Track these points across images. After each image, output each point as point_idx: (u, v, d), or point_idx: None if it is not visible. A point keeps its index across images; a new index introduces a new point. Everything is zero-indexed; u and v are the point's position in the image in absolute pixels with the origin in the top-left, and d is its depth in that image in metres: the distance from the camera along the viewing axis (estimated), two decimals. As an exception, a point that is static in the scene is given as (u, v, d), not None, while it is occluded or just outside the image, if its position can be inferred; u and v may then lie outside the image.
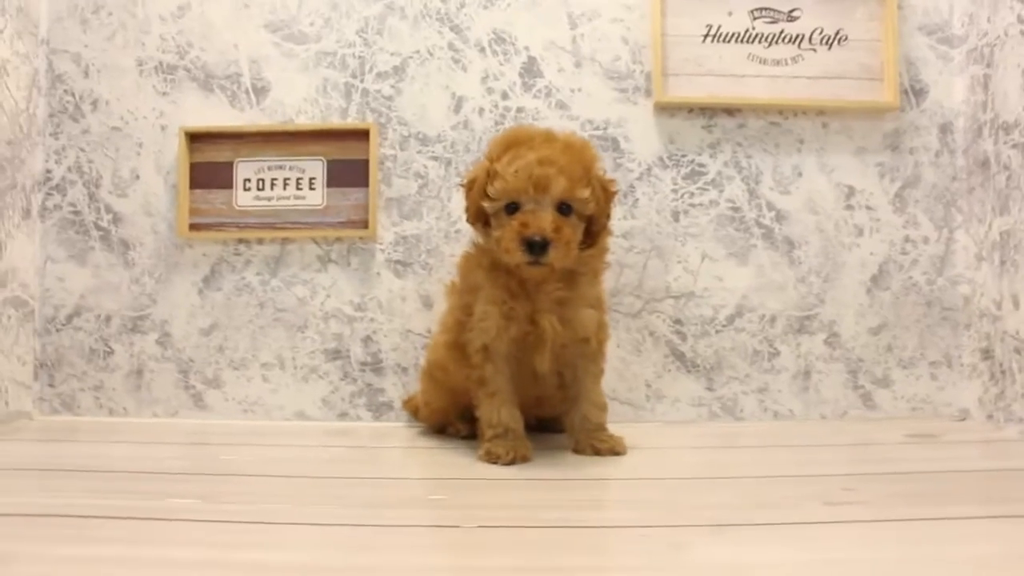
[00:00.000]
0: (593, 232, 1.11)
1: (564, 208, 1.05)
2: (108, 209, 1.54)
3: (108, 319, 1.54)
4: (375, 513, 0.84)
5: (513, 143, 1.07)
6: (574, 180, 1.04)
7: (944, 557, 0.70)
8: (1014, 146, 1.35)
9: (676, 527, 0.79)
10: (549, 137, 1.08)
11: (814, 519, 0.83)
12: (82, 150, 1.55)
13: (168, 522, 0.80)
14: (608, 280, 1.47)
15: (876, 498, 0.92)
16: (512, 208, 1.06)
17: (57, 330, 1.55)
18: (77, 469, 1.09)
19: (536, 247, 1.01)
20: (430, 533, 0.78)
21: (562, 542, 0.75)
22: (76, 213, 1.55)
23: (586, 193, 1.06)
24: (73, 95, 1.55)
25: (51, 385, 1.54)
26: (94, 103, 1.55)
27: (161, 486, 0.99)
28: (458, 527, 0.79)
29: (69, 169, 1.55)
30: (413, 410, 1.42)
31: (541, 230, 1.02)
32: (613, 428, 1.20)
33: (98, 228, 1.55)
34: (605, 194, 1.11)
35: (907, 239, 1.50)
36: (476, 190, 1.10)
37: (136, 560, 0.68)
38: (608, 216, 1.13)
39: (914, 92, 1.51)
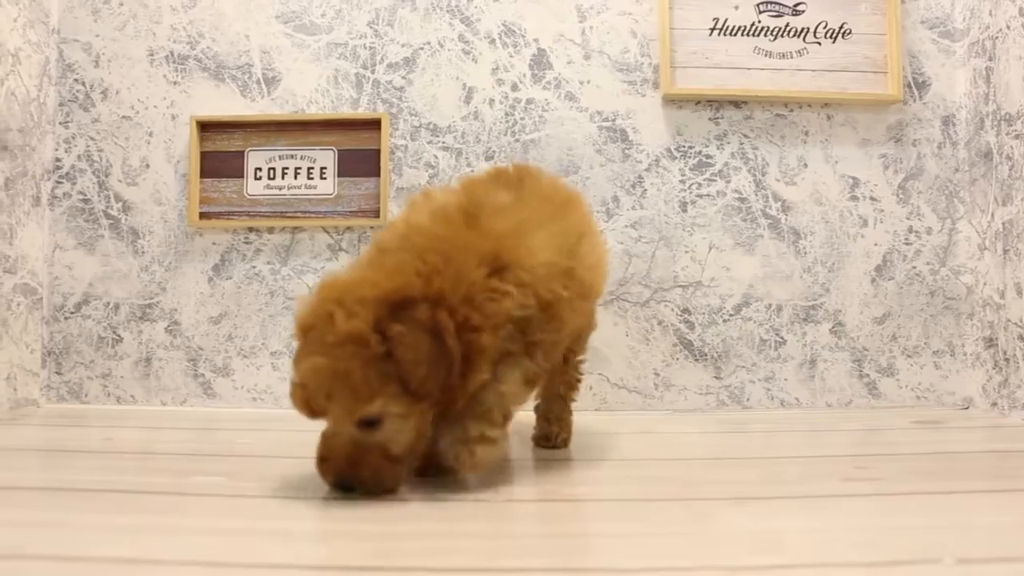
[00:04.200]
0: (415, 391, 0.74)
1: (368, 423, 0.74)
2: (118, 197, 1.55)
3: (117, 307, 1.54)
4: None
5: (298, 331, 0.77)
6: (353, 393, 0.72)
7: (960, 524, 0.72)
8: (1016, 137, 1.37)
9: (698, 500, 0.81)
10: (329, 321, 0.73)
11: (832, 493, 0.85)
12: (92, 139, 1.55)
13: (200, 496, 0.81)
14: (617, 270, 1.49)
15: (890, 475, 0.94)
16: None
17: (65, 318, 1.55)
18: (99, 451, 1.10)
19: (339, 486, 0.77)
20: (467, 505, 0.79)
21: (595, 513, 0.77)
22: (85, 201, 1.55)
23: (377, 404, 0.73)
24: (83, 84, 1.56)
25: (58, 373, 1.54)
26: (104, 92, 1.56)
27: (184, 466, 1.00)
28: (488, 501, 0.80)
29: (79, 158, 1.55)
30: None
31: (335, 469, 0.76)
32: (622, 416, 1.22)
33: (107, 216, 1.55)
34: (440, 358, 0.74)
35: (911, 230, 1.53)
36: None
37: (180, 528, 0.69)
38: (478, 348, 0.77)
39: (917, 85, 1.53)
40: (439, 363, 0.74)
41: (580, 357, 1.12)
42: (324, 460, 0.77)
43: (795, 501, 0.81)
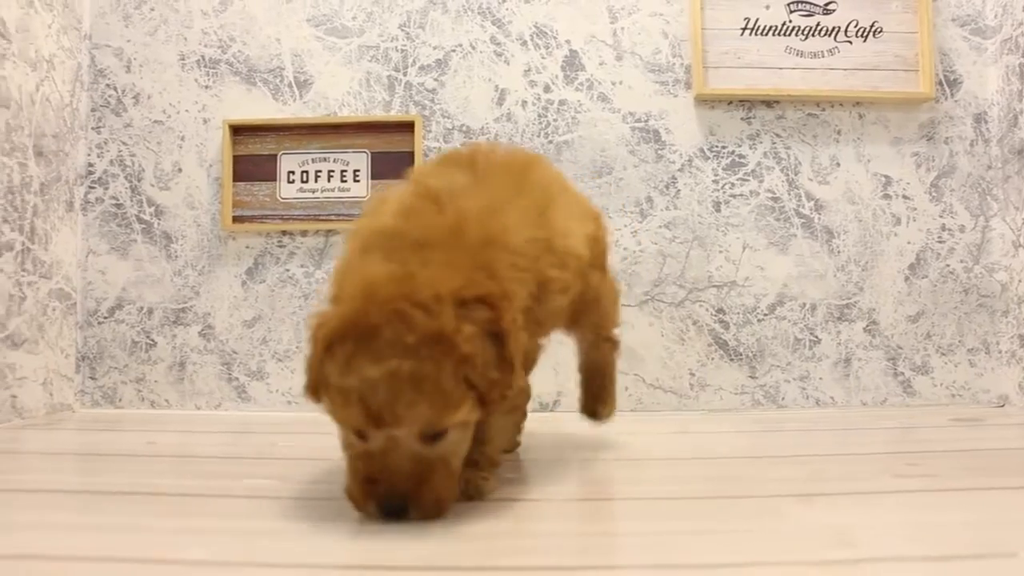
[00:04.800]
0: (489, 403, 0.68)
1: (432, 436, 0.67)
2: (150, 202, 1.55)
3: (150, 312, 1.54)
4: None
5: (346, 333, 0.66)
6: (442, 400, 0.65)
7: (1021, 520, 0.72)
8: (1052, 134, 1.37)
9: (760, 497, 0.81)
10: (403, 319, 0.64)
11: (888, 489, 0.85)
12: (124, 144, 1.56)
13: (251, 499, 0.80)
14: (651, 270, 1.49)
15: (940, 471, 0.94)
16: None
17: (99, 323, 1.55)
18: (145, 455, 1.10)
19: (392, 511, 0.67)
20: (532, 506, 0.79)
21: (661, 511, 0.76)
22: (118, 206, 1.56)
23: (462, 413, 0.66)
24: (115, 89, 1.56)
25: (93, 378, 1.55)
26: (136, 97, 1.56)
27: (230, 469, 0.99)
28: (551, 500, 0.80)
29: (111, 163, 1.56)
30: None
31: (392, 490, 0.66)
32: (657, 417, 1.21)
33: (140, 221, 1.55)
34: (500, 363, 0.68)
35: (944, 227, 1.52)
36: (313, 367, 0.69)
37: (244, 531, 0.69)
38: (509, 366, 0.69)
39: (948, 83, 1.53)
40: (503, 368, 0.68)
41: (607, 332, 1.03)
42: (372, 481, 0.66)
43: (854, 497, 0.81)
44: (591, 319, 0.98)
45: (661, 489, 0.86)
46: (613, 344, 1.05)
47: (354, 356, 0.64)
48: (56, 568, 0.58)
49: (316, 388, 0.69)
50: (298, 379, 1.50)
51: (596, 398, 1.05)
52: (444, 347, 0.64)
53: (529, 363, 0.80)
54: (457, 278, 0.67)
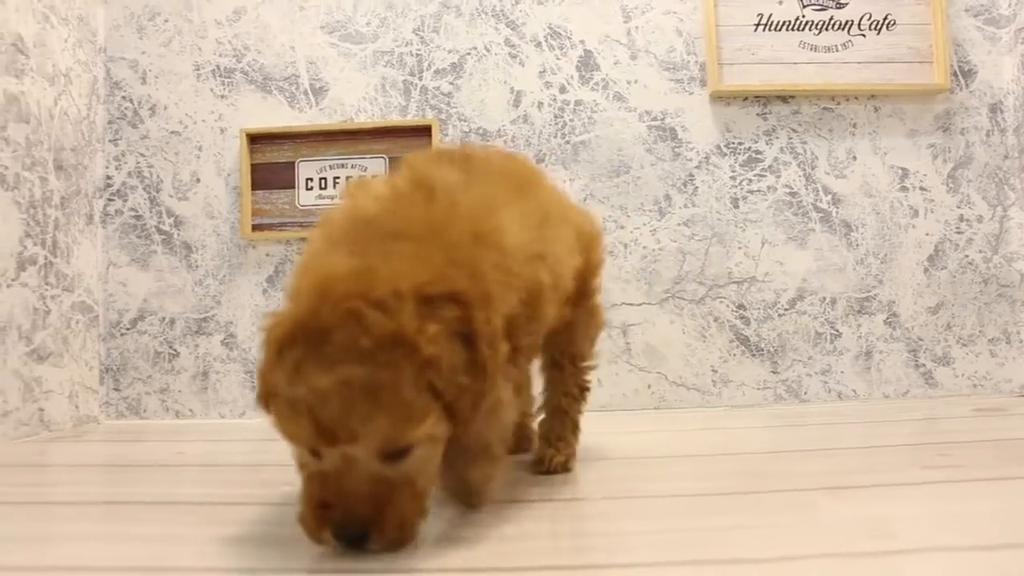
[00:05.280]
0: (458, 412, 0.61)
1: (394, 453, 0.58)
2: (169, 212, 1.56)
3: (172, 322, 1.55)
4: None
5: (296, 337, 0.58)
6: (403, 411, 0.57)
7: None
8: (1070, 122, 1.38)
9: (791, 491, 0.81)
10: (357, 320, 0.56)
11: (920, 480, 0.85)
12: (142, 155, 1.56)
13: (289, 506, 0.80)
14: (671, 268, 1.49)
15: (971, 462, 0.94)
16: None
17: (121, 335, 1.56)
18: (178, 464, 1.11)
19: (349, 540, 0.58)
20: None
21: (695, 507, 0.77)
22: (137, 218, 1.56)
23: (426, 426, 0.58)
24: (131, 101, 1.57)
25: (116, 389, 1.55)
26: (152, 108, 1.57)
27: (266, 476, 1.00)
28: (585, 500, 0.81)
29: (129, 174, 1.56)
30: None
31: (348, 515, 0.58)
32: (681, 414, 1.21)
33: (160, 232, 1.56)
34: (471, 367, 0.60)
35: (962, 218, 1.53)
36: (263, 374, 0.61)
37: (286, 539, 0.69)
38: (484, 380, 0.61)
39: (963, 73, 1.54)
40: (475, 375, 0.60)
41: (585, 363, 0.94)
42: (326, 507, 0.58)
43: (887, 489, 0.81)
44: (580, 348, 0.92)
45: (693, 486, 0.87)
46: (584, 379, 0.95)
47: (303, 363, 0.57)
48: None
49: (267, 398, 0.61)
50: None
51: (551, 441, 0.93)
52: (404, 350, 0.56)
53: (516, 394, 0.72)
54: (423, 272, 0.60)
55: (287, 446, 0.61)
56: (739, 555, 0.60)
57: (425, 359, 0.57)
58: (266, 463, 1.10)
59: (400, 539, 0.59)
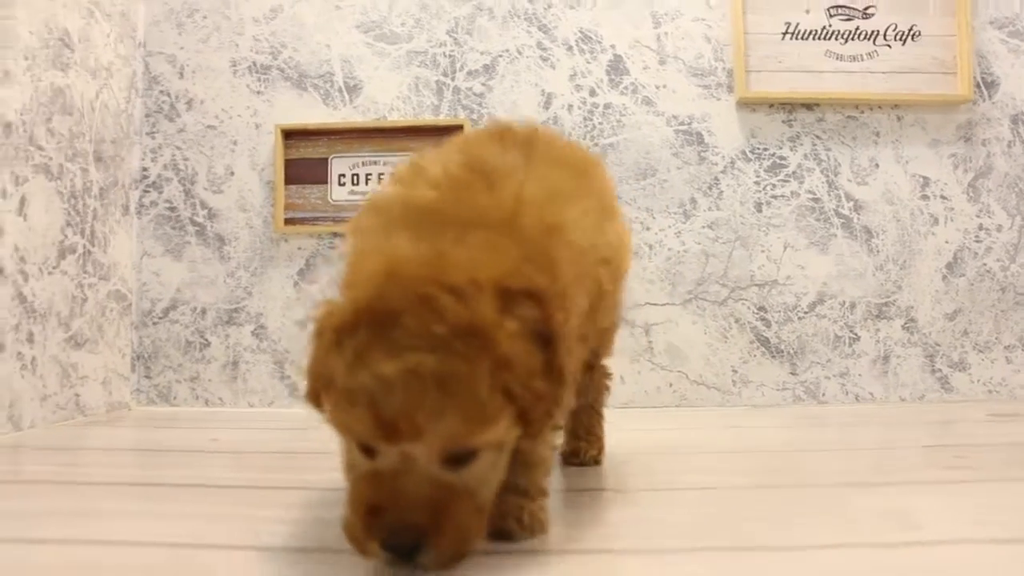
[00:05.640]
0: (532, 421, 0.55)
1: (458, 457, 0.53)
2: (203, 205, 1.59)
3: (204, 312, 1.58)
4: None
5: (358, 322, 0.53)
6: (474, 409, 0.51)
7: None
8: (1091, 135, 1.40)
9: (815, 486, 0.84)
10: (430, 306, 0.51)
11: (940, 479, 0.88)
12: (178, 148, 1.60)
13: (329, 491, 0.81)
14: (694, 270, 1.52)
15: (988, 464, 0.98)
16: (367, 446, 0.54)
17: (154, 323, 1.59)
18: (214, 451, 1.14)
19: (400, 551, 0.52)
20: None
21: (722, 499, 0.80)
22: (172, 209, 1.60)
23: (498, 430, 0.53)
24: (169, 95, 1.60)
25: (148, 377, 1.59)
26: (189, 103, 1.60)
27: (306, 463, 1.03)
28: (618, 490, 0.84)
29: (165, 167, 1.60)
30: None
31: (401, 522, 0.51)
32: (701, 412, 1.23)
33: (194, 224, 1.59)
34: (548, 372, 0.55)
35: (981, 227, 1.55)
36: (316, 365, 0.56)
37: (325, 520, 0.72)
38: (556, 392, 0.56)
39: (986, 85, 1.56)
40: (551, 380, 0.55)
41: (607, 360, 0.95)
42: (378, 511, 0.52)
43: (909, 486, 0.84)
44: (607, 347, 0.92)
45: (720, 479, 0.89)
46: (607, 374, 0.97)
47: (367, 349, 0.51)
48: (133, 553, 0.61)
49: (318, 391, 0.56)
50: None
51: (581, 436, 0.95)
52: (480, 342, 0.51)
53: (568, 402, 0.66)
54: (500, 263, 0.55)
55: (329, 435, 0.56)
56: (770, 543, 0.63)
57: (502, 356, 0.52)
58: (300, 451, 1.14)
59: (456, 555, 0.53)
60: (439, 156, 0.67)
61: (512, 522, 0.62)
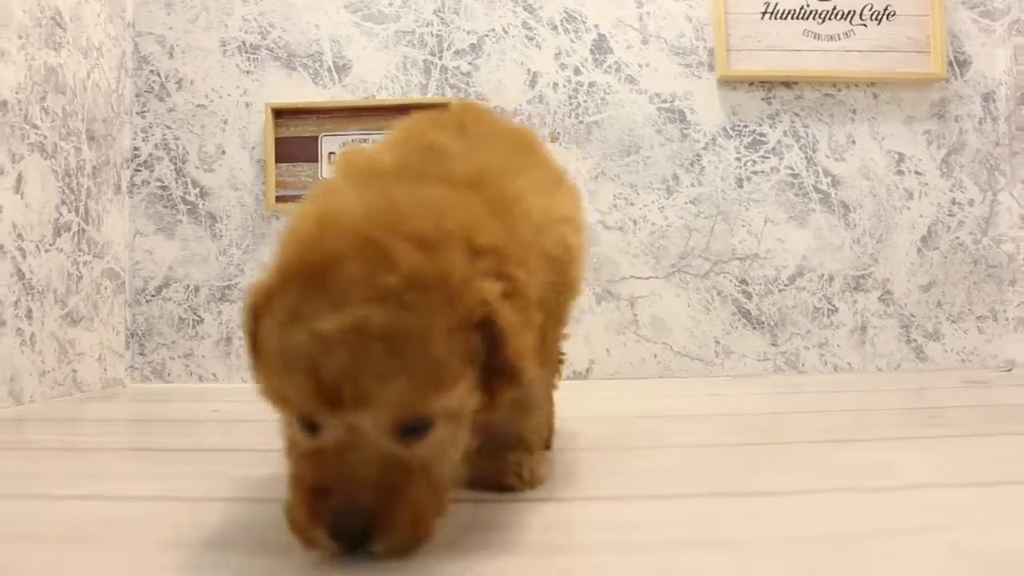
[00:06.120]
0: (496, 381, 0.49)
1: (411, 428, 0.46)
2: (195, 183, 1.61)
3: (197, 289, 1.61)
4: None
5: (290, 277, 0.46)
6: (430, 371, 0.45)
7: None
8: (1058, 111, 1.45)
9: (799, 443, 0.89)
10: (377, 254, 0.44)
11: (918, 435, 0.93)
12: (168, 127, 1.61)
13: None
14: (677, 244, 1.57)
15: (962, 421, 1.03)
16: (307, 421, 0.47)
17: (147, 301, 1.61)
18: (216, 420, 1.17)
19: (348, 535, 0.45)
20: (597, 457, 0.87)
21: (712, 455, 0.84)
22: (163, 188, 1.62)
23: (456, 395, 0.46)
24: (159, 75, 1.62)
25: (142, 354, 1.61)
26: (179, 82, 1.62)
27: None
28: (605, 448, 0.88)
29: (156, 146, 1.62)
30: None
31: (349, 504, 0.44)
32: (685, 382, 1.27)
33: (185, 202, 1.61)
34: (516, 315, 0.49)
35: (954, 202, 1.61)
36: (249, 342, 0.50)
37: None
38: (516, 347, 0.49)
39: (958, 63, 1.61)
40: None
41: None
42: (323, 492, 0.45)
43: (889, 442, 0.89)
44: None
45: (708, 438, 0.93)
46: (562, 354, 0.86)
47: (301, 305, 0.44)
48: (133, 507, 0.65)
49: (255, 360, 0.49)
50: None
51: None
52: (441, 296, 0.45)
53: (553, 361, 0.67)
54: (467, 216, 0.49)
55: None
56: (757, 488, 0.67)
57: (464, 315, 0.46)
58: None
59: (412, 541, 0.46)
60: (383, 146, 0.62)
61: (512, 477, 0.62)
